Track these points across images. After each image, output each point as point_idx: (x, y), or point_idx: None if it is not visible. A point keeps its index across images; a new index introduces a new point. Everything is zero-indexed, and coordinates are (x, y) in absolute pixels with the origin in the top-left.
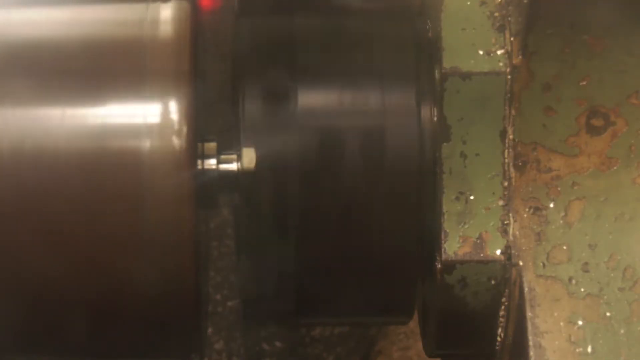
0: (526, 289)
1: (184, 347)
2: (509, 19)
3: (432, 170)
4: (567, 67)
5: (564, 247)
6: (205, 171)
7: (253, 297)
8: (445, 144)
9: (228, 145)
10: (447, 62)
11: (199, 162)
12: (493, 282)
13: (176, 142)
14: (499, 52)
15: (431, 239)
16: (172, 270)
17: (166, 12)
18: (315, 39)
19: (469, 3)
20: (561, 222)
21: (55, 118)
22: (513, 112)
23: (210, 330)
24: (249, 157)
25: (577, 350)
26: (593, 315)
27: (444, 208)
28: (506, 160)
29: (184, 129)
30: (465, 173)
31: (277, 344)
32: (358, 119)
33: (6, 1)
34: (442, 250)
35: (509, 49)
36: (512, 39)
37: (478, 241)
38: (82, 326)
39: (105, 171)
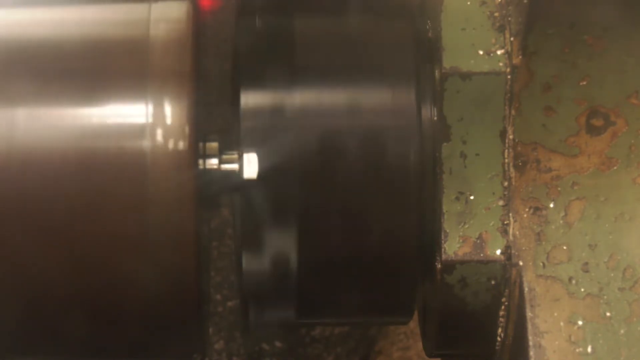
0: (526, 289)
1: (186, 346)
2: (509, 19)
3: (432, 170)
4: (567, 67)
5: (564, 247)
6: (206, 171)
7: (253, 297)
8: (445, 144)
9: (229, 145)
10: (447, 62)
11: (201, 162)
12: (493, 282)
13: (178, 142)
14: (499, 52)
15: (431, 239)
16: (173, 270)
17: (167, 12)
18: (314, 39)
19: (469, 3)
20: (561, 222)
21: (56, 118)
22: (513, 112)
23: (210, 330)
24: (250, 167)
25: (577, 350)
26: (593, 315)
27: (444, 208)
28: (506, 160)
29: (186, 129)
30: (465, 173)
31: (277, 344)
32: (358, 118)
33: (7, 1)
34: (442, 250)
35: (509, 49)
36: (512, 39)
37: (478, 241)
38: (83, 326)
39: (107, 171)
